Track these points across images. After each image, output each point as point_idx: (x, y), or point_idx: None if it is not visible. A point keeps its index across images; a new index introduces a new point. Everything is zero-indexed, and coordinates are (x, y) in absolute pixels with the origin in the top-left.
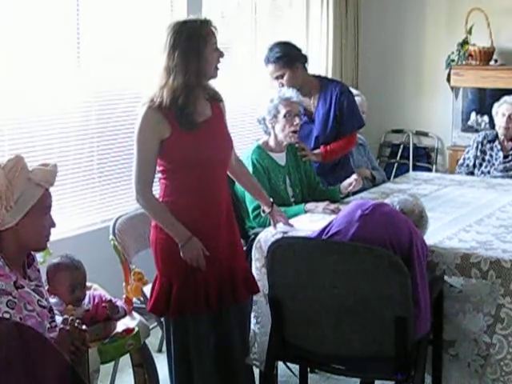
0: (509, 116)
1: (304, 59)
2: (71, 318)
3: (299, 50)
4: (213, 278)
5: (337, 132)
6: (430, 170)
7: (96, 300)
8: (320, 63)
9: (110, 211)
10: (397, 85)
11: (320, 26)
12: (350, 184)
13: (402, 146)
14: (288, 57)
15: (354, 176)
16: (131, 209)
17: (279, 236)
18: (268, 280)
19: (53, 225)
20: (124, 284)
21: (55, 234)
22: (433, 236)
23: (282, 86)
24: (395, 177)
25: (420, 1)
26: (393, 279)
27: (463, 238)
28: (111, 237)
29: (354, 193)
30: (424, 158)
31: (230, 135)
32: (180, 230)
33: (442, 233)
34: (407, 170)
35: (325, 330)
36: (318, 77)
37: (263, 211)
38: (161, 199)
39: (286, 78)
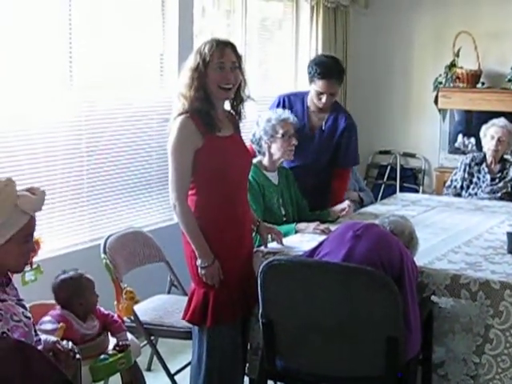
0: (498, 139)
1: None
2: (65, 344)
3: None
4: (239, 286)
5: (331, 158)
6: (417, 191)
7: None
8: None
9: (99, 230)
10: (385, 106)
11: (309, 47)
12: (343, 209)
13: (389, 167)
14: (344, 73)
15: (347, 202)
16: (121, 227)
17: (271, 257)
18: (260, 299)
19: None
20: (115, 303)
21: (45, 253)
22: (422, 257)
23: (322, 100)
24: (382, 198)
25: (408, 24)
26: (384, 299)
27: (452, 259)
28: (103, 255)
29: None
30: (411, 180)
31: (250, 152)
32: (205, 251)
33: (432, 254)
34: (394, 191)
35: (316, 350)
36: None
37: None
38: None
39: (334, 94)
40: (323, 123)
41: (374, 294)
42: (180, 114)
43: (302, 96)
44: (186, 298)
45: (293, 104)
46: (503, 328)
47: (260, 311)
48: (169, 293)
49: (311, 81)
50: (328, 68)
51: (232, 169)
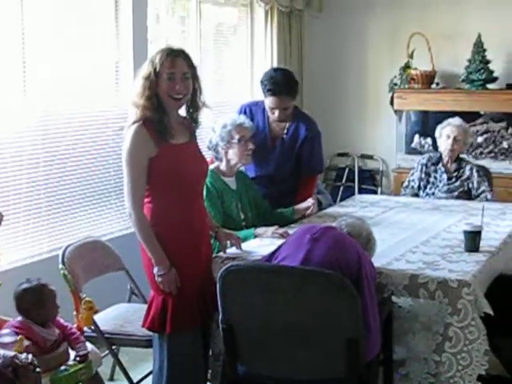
0: (453, 138)
1: None
2: (24, 358)
3: None
4: (198, 292)
5: (295, 166)
6: (375, 192)
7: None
8: None
9: (58, 240)
10: (341, 109)
11: (264, 51)
12: (307, 208)
13: (347, 170)
14: (297, 87)
15: (311, 200)
16: (80, 237)
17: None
18: (219, 305)
19: None
20: (75, 313)
21: (4, 265)
22: (380, 258)
23: (275, 115)
24: (341, 200)
25: (362, 26)
26: (343, 302)
27: (410, 259)
28: (61, 266)
29: (302, 217)
30: (369, 181)
31: (205, 159)
32: (161, 259)
33: (390, 254)
34: (353, 193)
35: (277, 355)
36: (294, 105)
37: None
38: (148, 221)
39: (289, 108)
40: (284, 132)
41: (333, 297)
42: (134, 123)
43: (262, 105)
44: (146, 306)
45: (254, 114)
46: (462, 326)
47: (220, 317)
48: (129, 301)
49: (264, 95)
50: (277, 84)
51: (187, 176)
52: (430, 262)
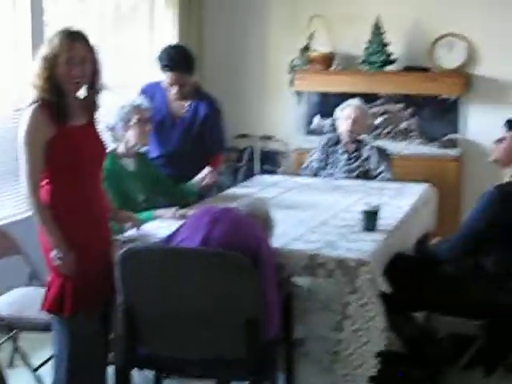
0: (352, 119)
1: None
2: None
3: None
4: (97, 274)
5: (197, 145)
6: (276, 173)
7: None
8: None
9: None
10: (241, 90)
11: (165, 31)
12: (204, 178)
13: (248, 151)
14: (193, 62)
15: (207, 169)
16: None
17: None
18: (120, 288)
19: None
20: None
21: None
22: (280, 238)
23: (172, 91)
24: (243, 181)
25: (263, 7)
26: (242, 282)
27: (309, 239)
28: None
29: (203, 197)
30: (270, 162)
31: (103, 142)
32: (59, 242)
33: (289, 235)
34: (254, 174)
35: (177, 335)
36: (196, 83)
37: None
38: (45, 204)
39: (184, 84)
40: (185, 111)
41: (232, 277)
42: (31, 104)
43: (162, 85)
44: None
45: (154, 93)
46: (360, 304)
47: (120, 299)
48: (28, 285)
49: (162, 71)
50: (172, 60)
51: (84, 158)
52: (329, 241)
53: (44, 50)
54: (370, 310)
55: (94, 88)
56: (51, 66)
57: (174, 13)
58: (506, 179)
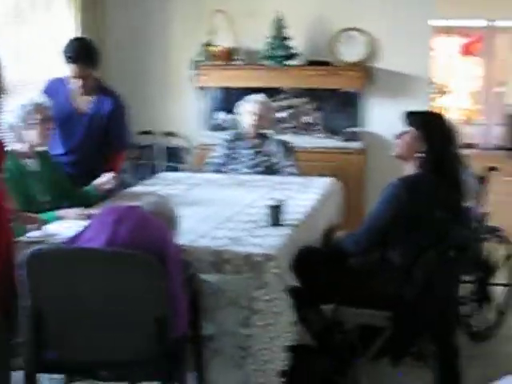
0: (256, 114)
1: None
2: None
3: None
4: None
5: (101, 142)
6: (180, 169)
7: None
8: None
9: None
10: (144, 87)
11: (66, 26)
12: (105, 183)
13: (151, 147)
14: (97, 55)
15: (109, 174)
16: None
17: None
18: (26, 290)
19: None
20: None
21: None
22: (185, 235)
23: (76, 84)
24: (146, 178)
25: (164, 2)
26: (148, 281)
27: (216, 235)
28: None
29: (106, 197)
30: (174, 159)
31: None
32: None
33: (195, 232)
34: (157, 171)
35: (86, 338)
36: (98, 79)
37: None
38: None
39: (87, 77)
40: (89, 106)
41: (139, 276)
42: None
43: (66, 81)
44: None
45: (57, 88)
46: (268, 299)
47: (27, 303)
48: None
49: (66, 65)
50: (76, 52)
51: None
52: (235, 237)
53: None
54: (278, 304)
55: None
56: None
57: (75, 7)
58: (407, 173)
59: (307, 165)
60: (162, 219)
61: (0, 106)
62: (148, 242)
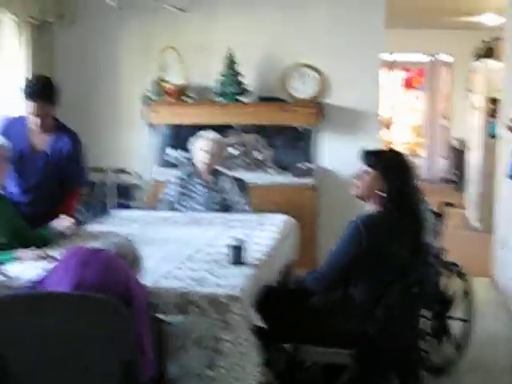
0: (207, 151)
1: None
2: None
3: None
4: None
5: (58, 179)
6: (130, 206)
7: None
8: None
9: None
10: (94, 122)
11: (14, 65)
12: (64, 227)
13: (101, 184)
14: (57, 94)
15: (69, 219)
16: None
17: None
18: None
19: None
20: None
21: None
22: (147, 276)
23: (34, 121)
24: (97, 215)
25: (114, 39)
26: (114, 324)
27: (178, 275)
28: None
29: (61, 236)
30: (124, 195)
31: None
32: None
33: (156, 272)
34: (107, 208)
35: None
36: (55, 117)
37: None
38: None
39: (47, 115)
40: (46, 145)
41: (105, 320)
42: None
43: (23, 118)
44: None
45: (15, 126)
46: (233, 340)
47: None
48: None
49: (25, 102)
50: (34, 89)
51: None
52: (198, 278)
53: None
54: (244, 345)
55: None
56: None
57: (24, 45)
58: (367, 211)
59: (259, 201)
60: (126, 260)
61: None
62: (114, 285)
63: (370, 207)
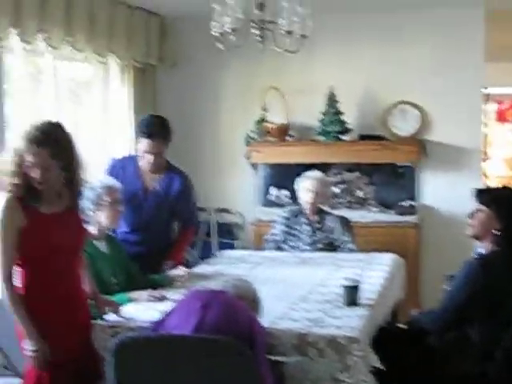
0: (312, 191)
1: None
2: None
3: None
4: (75, 362)
5: (168, 219)
6: (234, 246)
7: None
8: (124, 145)
9: None
10: (196, 163)
11: (119, 108)
12: (180, 277)
13: (205, 224)
14: (171, 133)
15: (184, 269)
16: None
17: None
18: (114, 378)
19: None
20: None
21: None
22: (263, 317)
23: (147, 160)
24: (201, 255)
25: (216, 80)
26: (240, 367)
27: (294, 316)
28: None
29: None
30: (227, 235)
31: (83, 228)
32: (31, 334)
33: (271, 313)
34: (211, 248)
35: None
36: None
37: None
38: (19, 292)
39: (161, 153)
40: (158, 184)
41: (230, 363)
42: (8, 191)
43: (134, 158)
44: (20, 381)
45: (126, 166)
46: (353, 382)
47: None
48: (2, 376)
49: (138, 140)
50: (152, 127)
51: (58, 246)
52: (314, 318)
53: (16, 143)
54: None
55: (70, 181)
56: (19, 162)
57: (129, 86)
58: (483, 251)
59: (362, 240)
60: (246, 302)
61: (76, 192)
62: (236, 327)
63: (483, 246)
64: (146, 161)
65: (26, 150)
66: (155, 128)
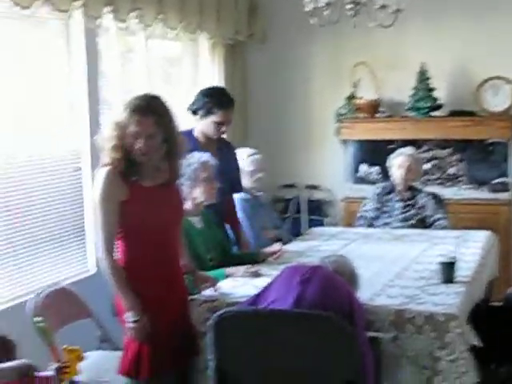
0: (405, 167)
1: None
2: None
3: None
4: (174, 335)
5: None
6: (323, 223)
7: None
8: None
9: (20, 287)
10: (286, 140)
11: (209, 83)
12: (274, 253)
13: (294, 201)
14: None
15: (278, 245)
16: (41, 283)
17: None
18: (213, 353)
19: None
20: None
21: None
22: (360, 293)
23: (221, 130)
24: (291, 232)
25: (305, 57)
26: (341, 343)
27: (390, 293)
28: (37, 319)
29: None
30: (317, 212)
31: (182, 202)
32: (133, 304)
33: (368, 289)
34: (300, 225)
35: None
36: None
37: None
38: (120, 264)
39: (231, 121)
40: (217, 156)
41: (331, 339)
42: (104, 165)
43: (189, 132)
44: (118, 353)
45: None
46: (451, 359)
47: (213, 364)
48: (99, 349)
49: (209, 113)
50: (226, 97)
51: (159, 220)
52: (411, 295)
53: (116, 116)
54: (461, 365)
55: (171, 155)
56: (120, 135)
57: (218, 63)
58: None
59: (454, 217)
60: (345, 278)
61: (177, 167)
62: (335, 302)
63: None
64: (217, 132)
65: (129, 121)
66: (228, 97)
